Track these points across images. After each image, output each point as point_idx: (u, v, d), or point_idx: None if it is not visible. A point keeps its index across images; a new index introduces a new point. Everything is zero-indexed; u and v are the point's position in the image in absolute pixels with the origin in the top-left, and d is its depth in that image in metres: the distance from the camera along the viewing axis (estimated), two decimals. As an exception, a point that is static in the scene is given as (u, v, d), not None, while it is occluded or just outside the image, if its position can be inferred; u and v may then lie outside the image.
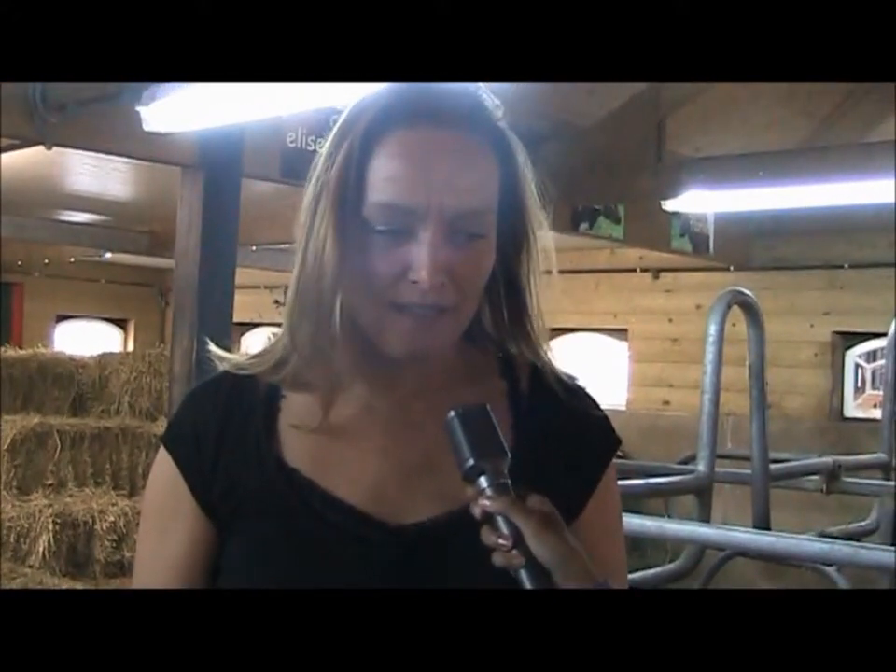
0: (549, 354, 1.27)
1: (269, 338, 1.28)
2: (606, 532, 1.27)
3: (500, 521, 1.09)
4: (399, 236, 1.13)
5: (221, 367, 1.27)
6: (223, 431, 1.23)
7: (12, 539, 6.07)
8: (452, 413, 1.12)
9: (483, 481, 1.10)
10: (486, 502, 1.09)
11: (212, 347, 1.28)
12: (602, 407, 1.31)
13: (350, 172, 1.14)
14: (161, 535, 1.25)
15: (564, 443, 1.25)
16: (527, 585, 1.07)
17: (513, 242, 1.22)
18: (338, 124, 1.18)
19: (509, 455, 1.12)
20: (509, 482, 1.11)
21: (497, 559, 1.09)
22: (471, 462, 1.10)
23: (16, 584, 5.53)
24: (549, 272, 1.24)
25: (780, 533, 3.38)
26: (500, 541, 1.08)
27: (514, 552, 1.07)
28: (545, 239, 1.23)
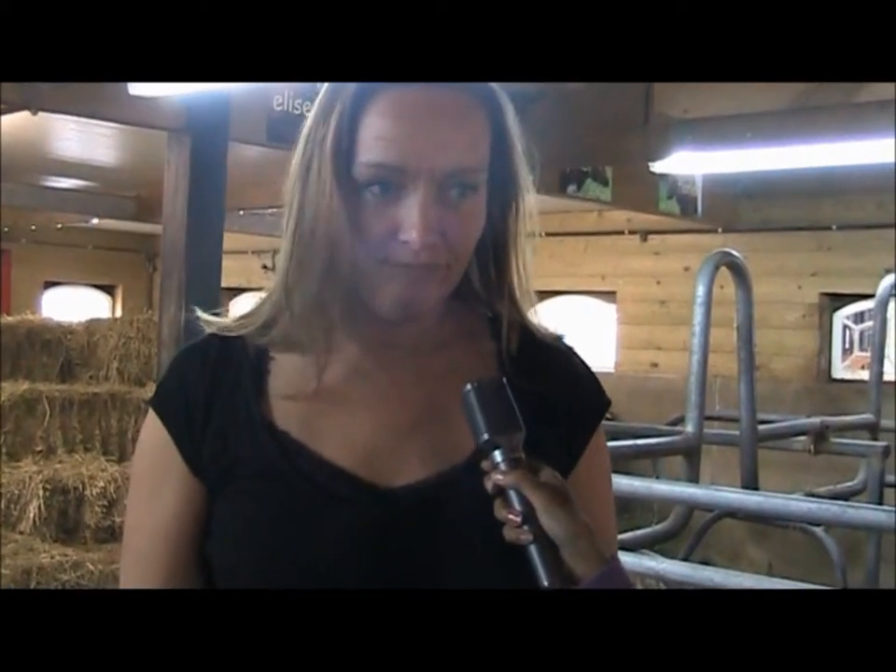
0: (535, 314, 1.27)
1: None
2: (596, 493, 1.27)
3: (512, 495, 1.10)
4: (390, 195, 1.13)
5: (208, 330, 1.26)
6: (212, 394, 1.22)
7: (2, 506, 6.06)
8: (468, 387, 1.12)
9: (497, 455, 1.11)
10: (499, 476, 1.10)
11: (199, 311, 1.27)
12: (591, 367, 1.31)
13: (343, 130, 1.13)
14: (151, 498, 1.24)
15: (553, 404, 1.24)
16: (535, 561, 1.08)
17: (502, 201, 1.21)
18: (327, 84, 1.17)
19: (524, 429, 1.12)
20: (523, 456, 1.12)
21: (508, 534, 1.10)
22: (486, 436, 1.11)
23: (7, 551, 5.54)
24: (532, 234, 1.24)
25: (768, 493, 3.40)
26: (510, 516, 1.09)
27: (524, 527, 1.08)
28: (529, 202, 1.23)
